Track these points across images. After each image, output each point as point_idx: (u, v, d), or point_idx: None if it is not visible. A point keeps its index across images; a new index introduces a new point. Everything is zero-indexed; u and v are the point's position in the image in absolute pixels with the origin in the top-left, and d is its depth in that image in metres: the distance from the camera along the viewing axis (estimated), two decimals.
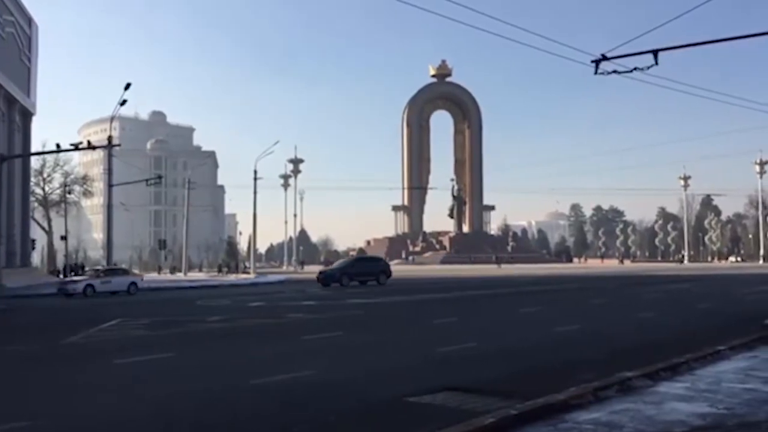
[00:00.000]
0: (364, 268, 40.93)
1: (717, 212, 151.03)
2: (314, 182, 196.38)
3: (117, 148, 45.21)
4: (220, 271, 72.90)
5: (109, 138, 42.21)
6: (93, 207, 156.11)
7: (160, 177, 62.54)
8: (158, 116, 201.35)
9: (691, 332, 14.52)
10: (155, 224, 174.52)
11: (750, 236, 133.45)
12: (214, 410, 7.94)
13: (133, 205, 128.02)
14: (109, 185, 43.94)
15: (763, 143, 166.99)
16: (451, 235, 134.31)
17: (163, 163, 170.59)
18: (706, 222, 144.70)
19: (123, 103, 38.94)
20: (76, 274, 44.01)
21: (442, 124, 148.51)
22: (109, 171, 44.21)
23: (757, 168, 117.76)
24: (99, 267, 44.94)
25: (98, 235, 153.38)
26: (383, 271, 41.37)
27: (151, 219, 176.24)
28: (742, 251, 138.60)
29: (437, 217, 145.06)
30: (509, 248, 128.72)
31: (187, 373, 10.64)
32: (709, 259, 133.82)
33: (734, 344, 11.25)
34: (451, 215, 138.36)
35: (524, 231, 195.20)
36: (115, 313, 21.30)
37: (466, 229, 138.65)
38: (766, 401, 7.32)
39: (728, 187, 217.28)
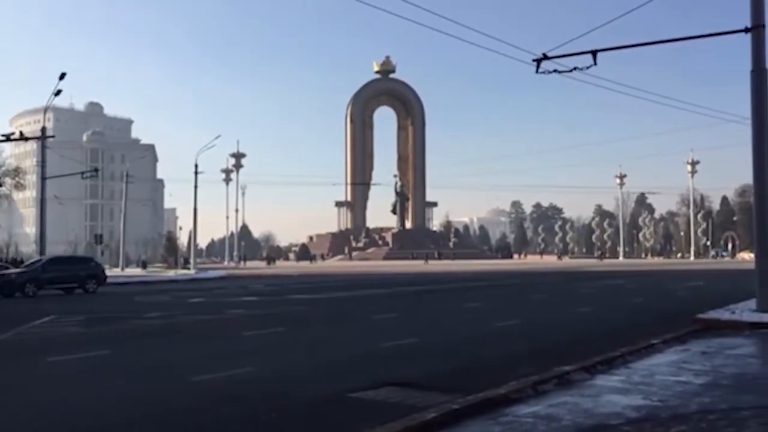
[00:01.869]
0: (63, 272, 31.45)
1: (651, 210, 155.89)
2: (257, 177, 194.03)
3: (51, 139, 43.81)
4: (144, 267, 71.50)
5: (43, 129, 40.93)
6: (25, 200, 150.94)
7: (96, 170, 60.86)
8: (95, 107, 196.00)
9: (626, 326, 14.92)
10: (91, 218, 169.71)
11: (681, 233, 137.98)
12: (151, 408, 7.76)
13: (68, 198, 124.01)
14: (43, 178, 42.46)
15: (694, 143, 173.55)
16: (394, 231, 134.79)
17: (100, 156, 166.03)
18: (640, 219, 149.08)
19: (58, 93, 37.76)
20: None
21: (385, 120, 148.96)
22: (43, 163, 42.71)
23: (689, 167, 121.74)
24: None
25: (30, 229, 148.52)
26: (93, 275, 32.38)
27: (86, 213, 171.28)
28: (674, 248, 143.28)
29: (380, 213, 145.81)
30: (451, 244, 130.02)
31: (123, 370, 10.36)
32: (643, 255, 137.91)
33: (667, 338, 11.60)
34: (393, 211, 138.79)
35: (466, 227, 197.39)
36: (49, 310, 20.66)
37: (408, 225, 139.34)
38: (697, 393, 7.55)
39: (662, 185, 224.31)
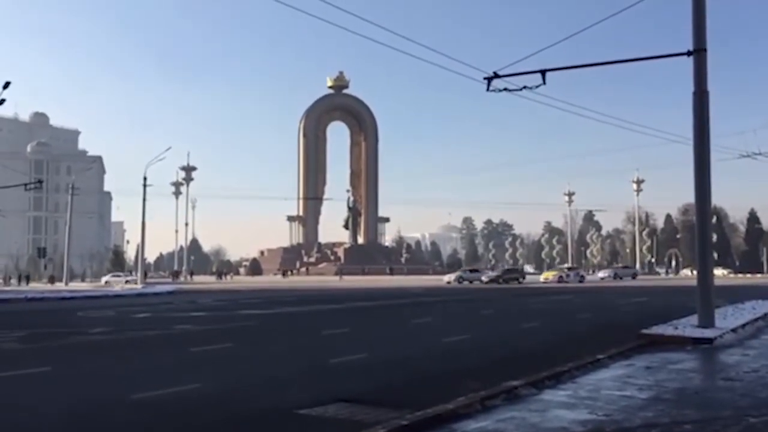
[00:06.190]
0: None
1: (598, 227, 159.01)
2: (207, 190, 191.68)
3: None
4: (52, 282, 70.69)
5: None
6: None
7: (40, 181, 59.29)
8: (40, 118, 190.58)
9: (573, 341, 15.10)
10: (35, 231, 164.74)
11: (627, 250, 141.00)
12: (89, 427, 7.52)
13: (11, 210, 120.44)
14: None
15: (639, 162, 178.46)
16: (346, 246, 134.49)
17: (45, 167, 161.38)
18: (587, 236, 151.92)
19: (1, 102, 36.68)
20: None
21: (338, 135, 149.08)
22: None
23: (635, 186, 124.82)
24: None
25: None
26: None
27: (30, 225, 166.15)
28: (620, 264, 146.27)
29: (332, 228, 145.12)
30: (403, 260, 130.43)
31: (64, 388, 10.05)
32: (591, 272, 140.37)
33: (612, 353, 11.77)
34: (346, 226, 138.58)
35: (418, 243, 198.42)
36: None
37: (361, 240, 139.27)
38: (641, 407, 7.68)
39: (608, 203, 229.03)
